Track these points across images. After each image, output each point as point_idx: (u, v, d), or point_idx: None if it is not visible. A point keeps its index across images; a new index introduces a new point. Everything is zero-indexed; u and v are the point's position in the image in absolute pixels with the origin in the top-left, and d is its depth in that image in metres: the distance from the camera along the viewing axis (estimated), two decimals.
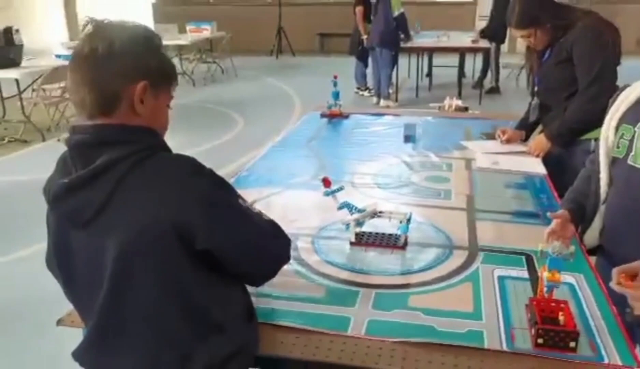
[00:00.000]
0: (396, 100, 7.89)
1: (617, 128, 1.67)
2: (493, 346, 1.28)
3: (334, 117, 3.46)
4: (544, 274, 1.35)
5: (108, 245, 1.09)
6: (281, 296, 1.49)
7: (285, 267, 1.60)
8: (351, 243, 1.78)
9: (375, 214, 1.79)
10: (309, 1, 13.33)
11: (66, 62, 6.34)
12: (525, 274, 1.60)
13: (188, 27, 10.17)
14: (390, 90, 7.90)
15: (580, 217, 1.78)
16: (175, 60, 9.72)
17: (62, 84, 6.45)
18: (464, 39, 8.15)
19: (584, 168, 1.89)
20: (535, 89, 2.72)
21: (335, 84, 3.42)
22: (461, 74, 8.65)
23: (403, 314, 1.42)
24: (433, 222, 1.94)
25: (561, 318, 1.32)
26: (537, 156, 2.63)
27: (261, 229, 1.26)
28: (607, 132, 1.71)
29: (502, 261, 1.66)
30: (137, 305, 1.11)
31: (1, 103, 6.43)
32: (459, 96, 7.96)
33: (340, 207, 1.78)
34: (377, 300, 1.48)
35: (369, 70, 8.27)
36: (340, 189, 1.79)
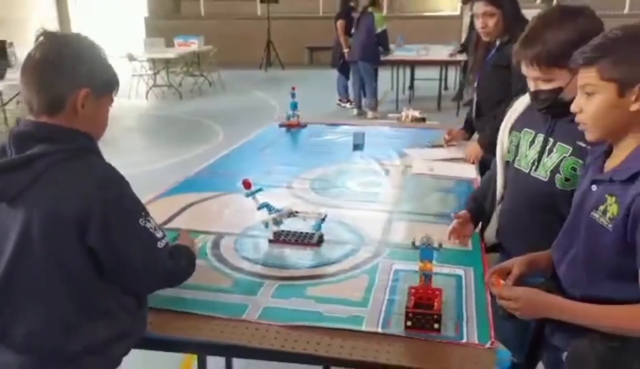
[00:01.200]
0: (376, 111, 8.06)
1: (509, 134, 1.83)
2: (368, 329, 1.42)
3: (292, 127, 3.61)
4: (419, 264, 1.48)
5: (19, 221, 1.24)
6: (192, 286, 1.63)
7: (204, 263, 1.76)
8: (269, 241, 1.92)
9: (291, 213, 1.94)
10: (298, 15, 13.58)
11: None
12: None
13: (176, 41, 10.38)
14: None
15: (479, 216, 1.93)
16: (162, 73, 9.93)
17: None
18: (443, 53, 8.34)
19: (489, 170, 2.04)
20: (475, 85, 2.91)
21: (293, 95, 3.60)
22: (442, 86, 8.82)
23: (298, 302, 1.56)
24: (351, 223, 2.09)
25: (436, 304, 1.45)
26: (473, 163, 2.78)
27: (152, 251, 1.33)
28: (502, 137, 1.86)
29: (403, 256, 1.80)
30: (29, 279, 1.25)
31: None
32: (438, 108, 8.14)
33: (260, 208, 1.92)
34: (278, 290, 1.62)
35: (350, 83, 8.46)
36: (259, 190, 1.94)
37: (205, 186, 2.47)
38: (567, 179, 1.63)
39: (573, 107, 1.35)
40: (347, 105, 8.59)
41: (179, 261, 1.46)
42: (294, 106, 3.65)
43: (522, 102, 1.80)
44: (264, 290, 1.62)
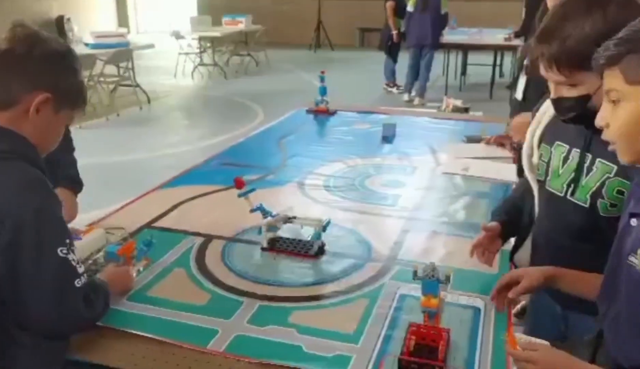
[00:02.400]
0: (423, 98, 7.66)
1: (539, 146, 1.50)
2: None
3: (320, 113, 3.34)
4: (421, 298, 1.20)
5: None
6: (159, 300, 1.41)
7: (183, 272, 1.54)
8: (262, 248, 1.68)
9: (287, 219, 1.68)
10: None
11: (92, 51, 6.51)
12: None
13: (224, 19, 10.23)
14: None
15: (511, 231, 1.61)
16: (209, 52, 9.82)
17: (89, 72, 6.61)
18: (498, 37, 7.80)
19: (523, 178, 1.71)
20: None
21: (322, 79, 3.32)
22: (497, 73, 8.30)
23: (276, 330, 1.30)
24: (360, 231, 1.81)
25: (440, 349, 1.18)
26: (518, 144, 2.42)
27: (67, 288, 1.11)
28: (529, 149, 1.54)
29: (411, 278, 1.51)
30: None
31: None
32: (490, 96, 7.66)
33: (253, 210, 1.68)
34: (257, 313, 1.37)
35: (397, 67, 8.08)
36: (252, 190, 1.69)
37: (208, 179, 2.25)
38: (612, 205, 1.29)
39: (598, 121, 1.03)
40: (394, 90, 8.22)
41: (94, 305, 1.21)
42: (323, 91, 3.37)
43: (551, 105, 1.46)
44: (241, 312, 1.38)
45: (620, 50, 0.97)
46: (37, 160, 1.15)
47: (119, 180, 4.67)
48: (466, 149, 2.67)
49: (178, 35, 9.32)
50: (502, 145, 2.65)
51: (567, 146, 1.40)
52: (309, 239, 1.68)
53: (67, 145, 1.82)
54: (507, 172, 2.32)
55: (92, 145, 5.74)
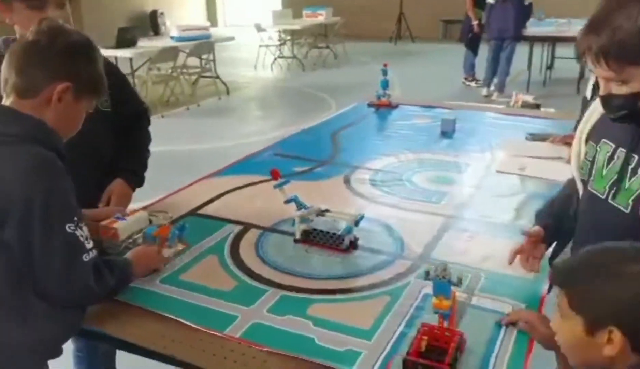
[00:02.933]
0: (502, 92, 7.37)
1: (586, 144, 1.40)
2: None
3: (382, 107, 3.31)
4: (433, 299, 1.17)
5: None
6: (188, 284, 1.47)
7: (216, 258, 1.59)
8: (295, 240, 1.70)
9: (320, 212, 1.69)
10: None
11: (176, 43, 6.81)
12: (459, 294, 1.41)
13: (304, 12, 10.34)
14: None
15: (554, 235, 1.53)
16: (288, 44, 9.97)
17: (173, 64, 6.92)
18: None
19: (570, 178, 1.61)
20: None
21: (384, 72, 3.28)
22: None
23: (293, 321, 1.32)
24: (396, 227, 1.78)
25: (449, 352, 1.14)
26: None
27: (75, 262, 1.19)
28: (578, 147, 1.44)
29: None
30: None
31: None
32: (577, 91, 7.23)
33: (287, 202, 1.70)
34: (278, 303, 1.39)
35: (477, 60, 7.81)
36: (287, 182, 1.71)
37: (257, 169, 2.29)
38: None
39: None
40: (473, 84, 7.96)
41: (104, 279, 1.28)
42: (385, 84, 3.33)
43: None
44: (263, 300, 1.40)
45: None
46: (53, 143, 1.22)
47: (191, 167, 4.87)
48: (528, 147, 2.55)
49: (259, 28, 9.53)
50: (568, 144, 2.50)
51: (614, 145, 1.31)
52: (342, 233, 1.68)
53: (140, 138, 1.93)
54: (568, 173, 2.19)
55: (171, 133, 6.03)
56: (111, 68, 1.77)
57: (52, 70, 1.22)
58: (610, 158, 1.30)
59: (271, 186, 1.98)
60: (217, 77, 7.79)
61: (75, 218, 1.19)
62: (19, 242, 1.13)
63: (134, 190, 1.86)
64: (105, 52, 5.68)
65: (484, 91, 7.53)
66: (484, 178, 2.21)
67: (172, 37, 7.40)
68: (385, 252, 1.63)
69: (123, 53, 6.55)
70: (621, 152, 1.28)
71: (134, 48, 6.73)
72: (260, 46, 9.74)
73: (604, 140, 1.33)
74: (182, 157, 5.33)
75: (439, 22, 12.89)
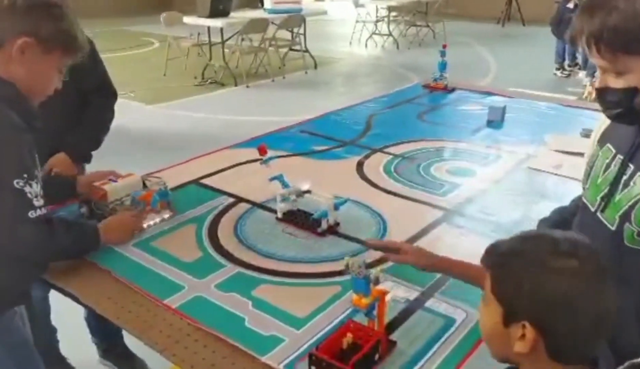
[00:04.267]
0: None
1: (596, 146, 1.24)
2: (269, 362, 1.11)
3: (436, 90, 3.15)
4: (353, 296, 1.10)
5: None
6: (155, 250, 1.50)
7: (193, 228, 1.61)
8: (276, 218, 1.67)
9: (301, 193, 1.65)
10: None
11: (267, 16, 6.91)
12: (413, 292, 1.32)
13: None
14: None
15: None
16: (386, 21, 9.76)
17: (262, 35, 7.04)
18: None
19: None
20: None
21: (442, 54, 3.11)
22: None
23: (234, 299, 1.31)
24: (385, 216, 1.70)
25: (365, 351, 1.07)
26: None
27: (19, 216, 1.23)
28: (591, 148, 1.27)
29: (408, 276, 1.38)
30: None
31: (209, 49, 7.29)
32: None
33: (272, 179, 1.67)
34: (229, 279, 1.39)
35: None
36: (271, 158, 1.69)
37: (276, 144, 2.26)
38: None
39: None
40: (559, 73, 7.35)
41: (55, 238, 1.31)
42: (442, 67, 3.17)
43: None
44: (216, 275, 1.40)
45: None
46: (14, 101, 1.26)
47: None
48: (577, 144, 2.30)
49: (357, 4, 9.41)
50: None
51: (614, 151, 1.14)
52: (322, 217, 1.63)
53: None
54: None
55: (252, 104, 6.18)
56: None
57: (10, 27, 1.25)
58: (608, 166, 1.14)
59: (281, 161, 1.97)
60: (306, 50, 7.82)
61: (25, 175, 1.23)
62: None
63: (78, 164, 1.92)
64: (197, 22, 5.89)
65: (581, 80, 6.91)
66: (509, 174, 2.04)
67: (265, 9, 7.51)
68: (360, 241, 1.56)
69: (214, 23, 6.78)
70: (619, 159, 1.11)
71: (226, 18, 6.92)
72: (357, 22, 9.63)
73: (608, 144, 1.17)
74: (257, 127, 5.43)
75: (554, 4, 11.95)
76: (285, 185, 1.66)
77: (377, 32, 9.68)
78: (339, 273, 1.39)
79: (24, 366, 1.44)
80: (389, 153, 2.22)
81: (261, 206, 1.77)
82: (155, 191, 1.66)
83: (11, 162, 1.22)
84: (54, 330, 2.16)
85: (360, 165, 2.11)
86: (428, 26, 9.97)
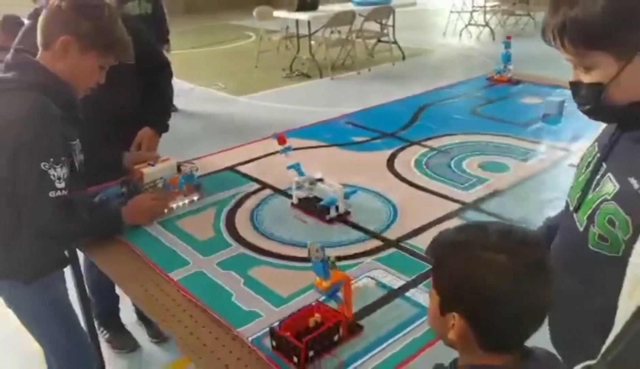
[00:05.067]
0: None
1: None
2: (243, 332, 1.20)
3: (499, 82, 3.06)
4: (316, 278, 1.16)
5: None
6: (177, 229, 1.65)
7: (213, 210, 1.74)
8: (292, 204, 1.76)
9: (313, 181, 1.71)
10: None
11: (355, 8, 6.97)
12: (398, 282, 1.35)
13: None
14: None
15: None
16: (482, 11, 9.43)
17: (349, 27, 7.10)
18: None
19: None
20: None
21: (507, 46, 3.01)
22: None
23: (229, 276, 1.42)
24: (398, 206, 1.72)
25: (320, 331, 1.13)
26: None
27: (41, 195, 1.37)
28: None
29: (400, 266, 1.41)
30: None
31: (297, 41, 7.48)
32: None
33: (289, 167, 1.75)
34: (230, 259, 1.49)
35: None
36: (289, 148, 1.76)
37: (320, 134, 2.36)
38: (602, 238, 0.99)
39: None
40: None
41: (77, 216, 1.46)
42: (506, 58, 3.06)
43: None
44: (220, 253, 1.52)
45: None
46: (54, 92, 1.43)
47: None
48: None
49: None
50: None
51: (597, 150, 1.11)
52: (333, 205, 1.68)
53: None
54: None
55: (332, 95, 6.29)
56: (135, 26, 1.91)
57: (57, 25, 1.44)
58: (589, 164, 1.11)
59: (319, 151, 2.05)
60: (394, 42, 7.78)
61: (52, 159, 1.39)
62: (8, 172, 1.38)
63: (160, 136, 2.09)
64: (286, 15, 6.10)
65: None
66: (545, 171, 1.96)
67: (353, 1, 7.57)
68: (367, 230, 1.60)
69: (301, 16, 6.95)
70: (597, 157, 1.08)
71: (314, 12, 7.06)
72: (452, 12, 9.40)
73: (597, 141, 1.14)
74: (321, 117, 5.53)
75: None
76: (300, 173, 1.73)
77: (472, 22, 9.37)
78: (338, 259, 1.44)
79: (63, 320, 1.65)
80: (426, 146, 2.22)
81: (283, 193, 1.86)
82: (182, 175, 1.81)
83: (41, 146, 1.39)
84: (116, 298, 2.40)
85: (392, 157, 2.13)
86: (529, 15, 9.49)
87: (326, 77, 7.02)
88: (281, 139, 1.76)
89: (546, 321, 0.92)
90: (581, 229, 1.05)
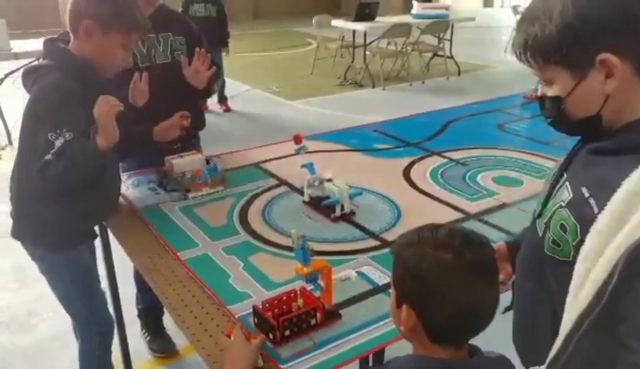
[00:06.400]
0: None
1: None
2: (232, 310, 1.31)
3: (535, 101, 3.04)
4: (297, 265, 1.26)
5: None
6: (194, 215, 1.78)
7: (231, 201, 1.86)
8: (303, 202, 1.86)
9: (322, 180, 1.81)
10: None
11: (412, 20, 7.03)
12: (385, 279, 1.43)
13: None
14: None
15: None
16: None
17: (405, 39, 7.16)
18: None
19: None
20: None
21: None
22: None
23: (230, 260, 1.53)
24: (403, 211, 1.80)
25: (295, 313, 1.22)
26: None
27: (39, 152, 1.48)
28: None
29: (390, 264, 1.47)
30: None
31: (352, 51, 7.59)
32: None
33: (303, 166, 1.86)
34: (236, 245, 1.61)
35: None
36: (303, 147, 1.86)
37: (346, 139, 2.46)
38: (555, 243, 1.04)
39: None
40: None
41: (73, 162, 1.50)
42: None
43: None
44: (227, 239, 1.64)
45: None
46: (74, 71, 1.57)
47: None
48: None
49: (516, 11, 9.06)
50: None
51: (563, 157, 1.16)
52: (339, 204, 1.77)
53: None
54: None
55: (381, 105, 6.35)
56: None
57: (82, 11, 1.59)
58: (555, 174, 1.16)
59: (342, 156, 2.16)
60: (450, 56, 7.76)
61: (58, 131, 1.49)
62: (29, 139, 1.56)
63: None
64: (343, 25, 6.31)
65: None
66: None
67: (411, 14, 7.62)
68: (367, 230, 1.68)
69: (358, 26, 7.07)
70: (560, 168, 1.13)
71: (371, 23, 7.17)
72: (513, 30, 9.25)
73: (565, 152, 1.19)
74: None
75: None
76: (312, 172, 1.84)
77: None
78: (333, 253, 1.55)
79: (86, 293, 1.81)
80: (446, 157, 2.27)
81: (298, 190, 1.96)
82: (206, 167, 1.94)
83: (50, 118, 1.51)
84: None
85: (410, 165, 2.19)
86: None
87: (378, 88, 7.09)
88: (297, 139, 1.87)
89: None
90: (540, 234, 1.10)
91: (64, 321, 1.96)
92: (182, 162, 1.99)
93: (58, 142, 1.49)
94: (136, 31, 1.66)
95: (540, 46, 0.98)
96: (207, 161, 2.05)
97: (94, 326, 1.85)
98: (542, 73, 1.02)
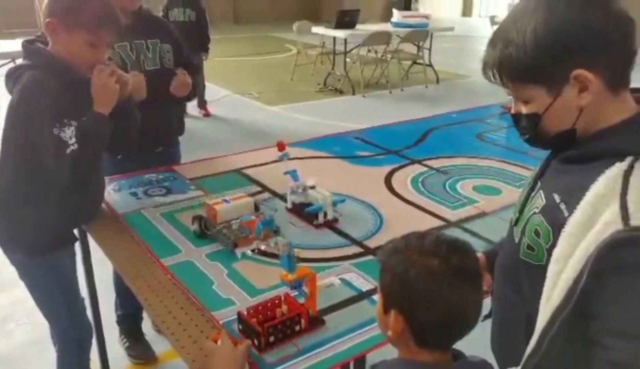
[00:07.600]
0: None
1: None
2: (216, 316, 1.32)
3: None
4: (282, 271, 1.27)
5: None
6: (177, 222, 1.78)
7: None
8: (287, 209, 1.87)
9: (306, 187, 1.82)
10: None
11: (392, 29, 7.10)
12: (368, 286, 1.44)
13: None
14: None
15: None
16: None
17: (385, 47, 7.23)
18: None
19: None
20: None
21: None
22: None
23: (214, 266, 1.53)
24: (385, 218, 1.82)
25: (278, 319, 1.23)
26: None
27: (29, 146, 1.49)
28: None
29: (373, 271, 1.50)
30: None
31: (333, 58, 7.64)
32: None
33: (286, 173, 1.87)
34: (220, 252, 1.61)
35: None
36: (286, 155, 1.88)
37: (327, 146, 2.47)
38: (530, 248, 1.07)
39: None
40: None
41: (82, 152, 1.57)
42: None
43: None
44: (211, 246, 1.64)
45: None
46: (54, 71, 1.55)
47: None
48: None
49: (493, 21, 9.22)
50: None
51: (539, 166, 1.20)
52: (322, 212, 1.78)
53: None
54: None
55: (360, 112, 6.40)
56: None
57: (44, 10, 1.58)
58: (530, 182, 1.19)
59: (323, 162, 2.16)
60: (429, 65, 7.86)
61: (58, 124, 1.52)
62: (23, 139, 1.51)
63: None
64: (323, 32, 6.41)
65: None
66: None
67: (391, 22, 7.70)
68: (350, 237, 1.70)
69: (339, 33, 7.12)
70: (534, 177, 1.17)
71: (351, 30, 7.22)
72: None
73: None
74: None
75: None
76: (295, 179, 1.85)
77: None
78: (316, 260, 1.56)
79: (66, 299, 1.80)
80: (426, 165, 2.31)
81: (281, 197, 1.97)
82: (260, 220, 1.64)
83: (47, 115, 1.51)
84: (140, 307, 2.51)
85: (391, 173, 2.22)
86: None
87: (358, 94, 7.15)
88: (281, 146, 1.88)
89: None
90: (516, 240, 1.13)
91: (41, 326, 1.93)
92: (229, 209, 1.71)
93: (69, 131, 1.50)
94: (103, 28, 1.59)
95: (517, 68, 1.01)
96: (256, 207, 1.81)
97: (73, 332, 1.83)
98: (518, 93, 1.05)
